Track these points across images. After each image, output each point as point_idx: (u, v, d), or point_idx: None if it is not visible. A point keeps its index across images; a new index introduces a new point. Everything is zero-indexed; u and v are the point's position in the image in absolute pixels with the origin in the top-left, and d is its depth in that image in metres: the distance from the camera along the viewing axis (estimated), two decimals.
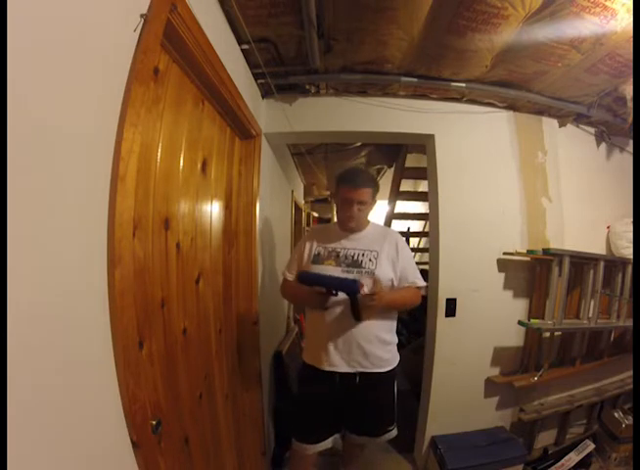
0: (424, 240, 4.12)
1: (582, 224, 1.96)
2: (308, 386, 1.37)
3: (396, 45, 1.38)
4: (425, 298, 1.93)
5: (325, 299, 1.22)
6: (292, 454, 1.42)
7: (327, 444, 1.34)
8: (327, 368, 1.27)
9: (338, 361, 1.27)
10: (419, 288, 1.35)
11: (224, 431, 1.34)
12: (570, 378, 1.93)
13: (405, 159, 2.86)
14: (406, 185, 3.36)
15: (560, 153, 1.94)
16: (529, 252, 1.76)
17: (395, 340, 1.37)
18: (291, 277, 1.38)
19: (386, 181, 3.27)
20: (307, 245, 1.39)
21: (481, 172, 1.83)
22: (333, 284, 1.19)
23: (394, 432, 1.40)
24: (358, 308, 1.17)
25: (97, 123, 0.59)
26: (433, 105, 1.81)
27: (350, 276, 1.23)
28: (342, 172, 1.36)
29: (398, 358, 1.37)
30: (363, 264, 1.29)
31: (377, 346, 1.28)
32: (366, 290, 1.17)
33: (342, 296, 1.22)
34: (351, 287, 1.14)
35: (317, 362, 1.30)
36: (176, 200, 1.00)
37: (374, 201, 1.41)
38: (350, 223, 1.34)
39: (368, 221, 1.43)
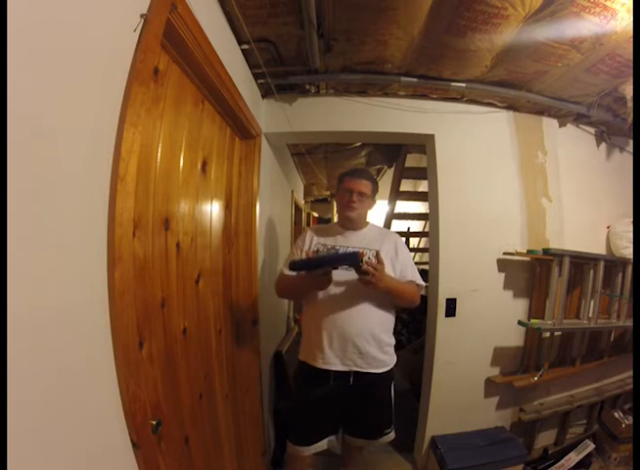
0: (424, 240, 4.12)
1: (582, 224, 1.96)
2: (302, 385, 1.36)
3: (396, 45, 1.38)
4: (425, 298, 1.93)
5: (328, 279, 1.19)
6: (288, 456, 1.42)
7: (321, 446, 1.32)
8: (321, 366, 1.27)
9: (332, 359, 1.26)
10: (418, 286, 1.35)
11: (224, 431, 1.34)
12: (570, 378, 1.93)
13: (405, 159, 2.85)
14: (406, 185, 3.36)
15: (560, 153, 1.94)
16: (529, 252, 1.76)
17: (392, 341, 1.36)
18: (287, 272, 1.36)
19: (386, 181, 3.27)
20: (307, 242, 1.39)
21: (481, 172, 1.83)
22: (335, 261, 1.19)
23: (392, 435, 1.39)
24: (363, 272, 1.15)
25: (97, 123, 0.59)
26: (433, 105, 1.81)
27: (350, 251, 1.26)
28: (345, 170, 1.46)
29: (395, 360, 1.37)
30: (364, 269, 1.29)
31: (373, 345, 1.27)
32: (372, 259, 1.17)
33: (340, 289, 1.23)
34: (352, 258, 1.14)
35: (312, 360, 1.30)
36: (176, 200, 1.00)
37: (373, 200, 1.43)
38: (351, 212, 1.35)
39: (367, 222, 1.44)
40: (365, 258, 1.15)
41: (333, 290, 1.28)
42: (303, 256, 1.35)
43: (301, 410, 1.35)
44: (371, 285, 1.16)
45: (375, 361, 1.28)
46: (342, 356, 1.26)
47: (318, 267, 1.17)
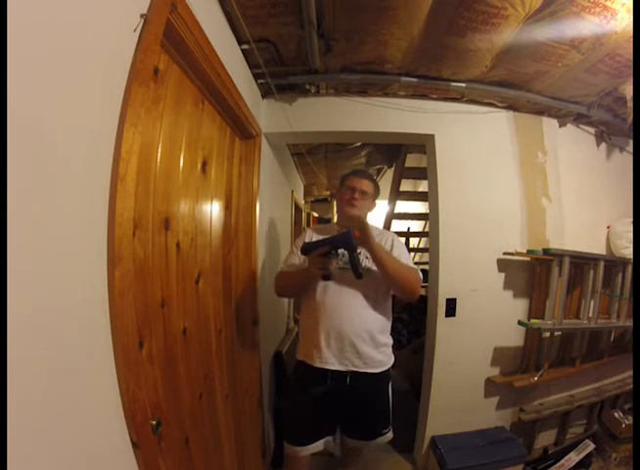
0: (424, 240, 4.12)
1: (582, 224, 1.96)
2: (299, 384, 1.36)
3: (396, 45, 1.38)
4: (425, 298, 1.93)
5: (325, 261, 1.18)
6: (286, 456, 1.42)
7: (318, 446, 1.31)
8: (318, 365, 1.27)
9: (330, 359, 1.26)
10: (414, 269, 1.31)
11: (224, 431, 1.34)
12: (570, 378, 1.93)
13: (405, 159, 2.85)
14: (406, 185, 3.36)
15: (560, 153, 1.94)
16: (529, 252, 1.76)
17: (390, 341, 1.36)
18: (287, 270, 1.37)
19: (386, 181, 3.27)
20: (306, 241, 1.39)
21: (481, 172, 1.83)
22: (329, 242, 1.20)
23: (390, 435, 1.38)
24: (358, 263, 1.19)
25: (97, 124, 0.59)
26: (433, 105, 1.81)
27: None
28: (347, 171, 1.47)
29: (393, 360, 1.36)
30: (360, 262, 1.29)
31: (370, 345, 1.27)
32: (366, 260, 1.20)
33: (338, 289, 1.25)
34: (346, 237, 1.17)
35: (309, 359, 1.29)
36: (176, 200, 1.00)
37: (374, 203, 1.43)
38: (352, 209, 1.35)
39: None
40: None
41: (331, 289, 1.28)
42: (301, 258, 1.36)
43: (298, 410, 1.35)
44: (361, 238, 1.18)
45: (372, 361, 1.28)
46: (340, 356, 1.26)
47: (318, 248, 1.21)
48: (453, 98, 1.81)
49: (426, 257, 3.60)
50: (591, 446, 1.86)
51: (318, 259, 1.19)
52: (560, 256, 1.72)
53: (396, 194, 3.02)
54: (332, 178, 3.93)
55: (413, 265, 1.33)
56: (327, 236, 1.30)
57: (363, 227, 1.21)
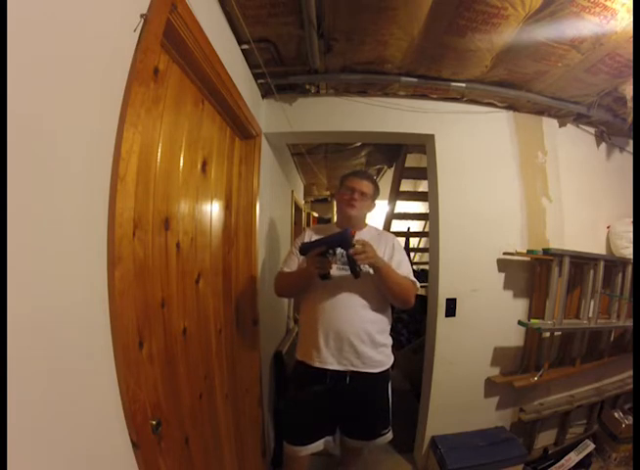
0: (424, 240, 4.11)
1: (582, 224, 1.96)
2: (299, 384, 1.36)
3: (396, 45, 1.38)
4: (425, 298, 1.93)
5: (323, 260, 1.19)
6: (285, 456, 1.42)
7: (317, 446, 1.31)
8: (317, 365, 1.27)
9: (328, 359, 1.26)
10: (413, 283, 1.34)
11: (224, 431, 1.34)
12: (570, 378, 1.93)
13: (405, 159, 2.85)
14: (406, 185, 3.36)
15: (560, 153, 1.94)
16: (529, 252, 1.76)
17: (389, 342, 1.36)
18: (287, 270, 1.38)
19: (386, 181, 3.27)
20: (304, 241, 1.39)
21: (481, 172, 1.83)
22: (326, 242, 1.21)
23: (389, 435, 1.38)
24: (355, 263, 1.18)
25: (97, 124, 0.59)
26: (433, 105, 1.81)
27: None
28: (348, 172, 1.48)
29: (392, 360, 1.36)
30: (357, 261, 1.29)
31: (368, 345, 1.27)
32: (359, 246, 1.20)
33: (337, 289, 1.25)
34: (343, 236, 1.17)
35: (308, 359, 1.30)
36: (176, 200, 1.00)
37: (373, 203, 1.43)
38: (351, 210, 1.36)
39: (365, 224, 1.44)
40: (356, 237, 1.19)
41: (330, 289, 1.28)
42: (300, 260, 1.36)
43: (298, 410, 1.35)
44: (363, 260, 1.18)
45: (371, 361, 1.28)
46: (339, 356, 1.26)
47: (315, 248, 1.22)
48: (453, 98, 1.81)
49: (426, 257, 3.60)
50: (591, 446, 1.86)
51: (315, 259, 1.20)
52: (560, 256, 1.72)
53: (396, 194, 3.02)
54: (332, 178, 3.93)
55: (412, 276, 1.34)
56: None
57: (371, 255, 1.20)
